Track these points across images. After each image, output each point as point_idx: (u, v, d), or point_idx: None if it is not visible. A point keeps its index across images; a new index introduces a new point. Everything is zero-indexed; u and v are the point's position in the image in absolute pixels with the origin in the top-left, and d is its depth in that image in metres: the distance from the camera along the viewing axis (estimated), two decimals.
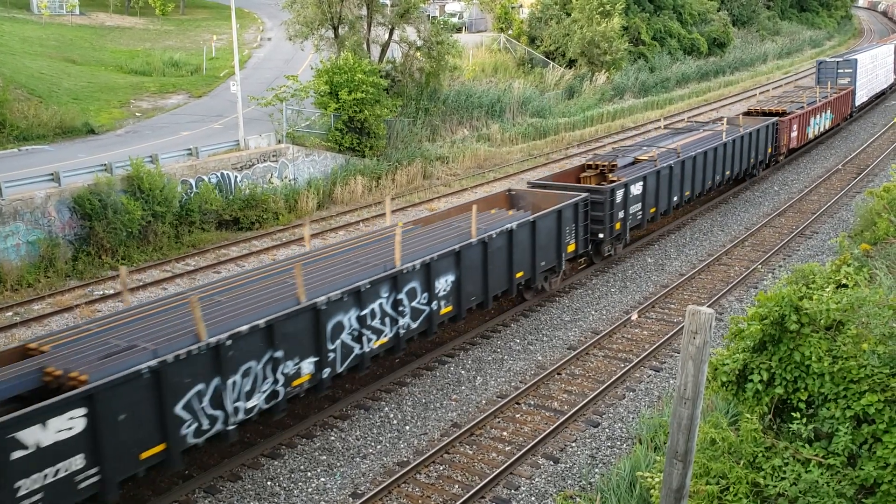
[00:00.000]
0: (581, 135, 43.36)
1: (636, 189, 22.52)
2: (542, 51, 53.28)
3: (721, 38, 71.10)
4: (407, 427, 14.54)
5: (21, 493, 9.64)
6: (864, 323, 8.66)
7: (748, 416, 8.96)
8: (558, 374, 16.44)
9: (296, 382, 13.24)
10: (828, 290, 8.96)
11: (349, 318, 14.00)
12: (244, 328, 12.16)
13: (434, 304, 15.90)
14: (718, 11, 75.74)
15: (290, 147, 29.92)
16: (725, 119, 32.16)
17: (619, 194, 21.67)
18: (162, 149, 27.18)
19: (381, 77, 33.44)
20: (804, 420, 8.45)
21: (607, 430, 14.23)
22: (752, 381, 8.84)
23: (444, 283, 16.06)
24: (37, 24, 51.34)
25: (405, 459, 13.46)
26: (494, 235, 17.16)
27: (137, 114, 35.78)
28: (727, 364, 8.97)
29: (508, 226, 17.65)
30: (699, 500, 8.54)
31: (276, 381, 12.84)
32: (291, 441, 14.04)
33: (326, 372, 13.74)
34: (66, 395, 10.17)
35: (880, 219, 20.20)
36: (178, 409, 11.37)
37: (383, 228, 18.79)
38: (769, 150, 32.16)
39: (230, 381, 12.06)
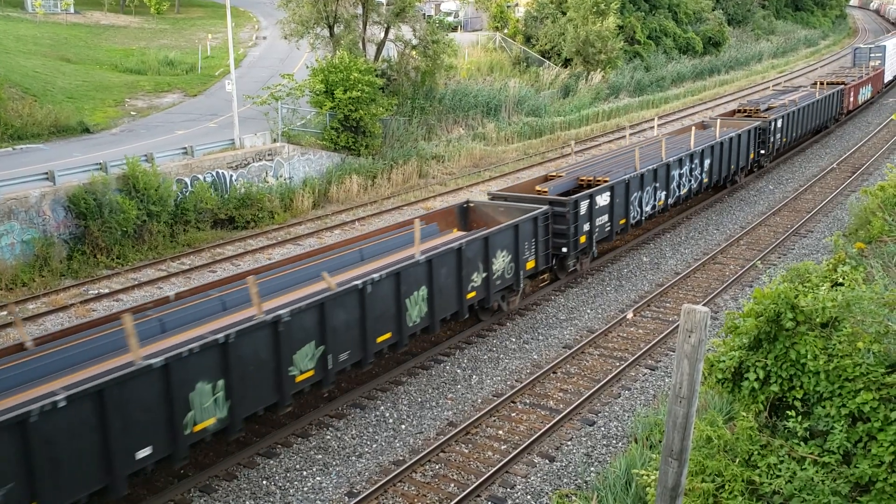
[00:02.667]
0: (577, 134, 43.36)
1: (780, 123, 33.27)
2: (537, 50, 53.29)
3: (716, 38, 71.23)
4: (403, 426, 14.54)
5: (595, 225, 20.81)
6: (860, 321, 8.68)
7: (744, 413, 8.97)
8: (554, 372, 16.45)
9: (659, 203, 24.28)
10: (823, 288, 8.98)
11: (678, 173, 25.16)
12: (650, 168, 23.43)
13: (702, 175, 27.05)
14: (713, 11, 75.88)
15: (286, 146, 29.88)
16: (818, 82, 44.31)
17: (772, 126, 32.34)
18: (157, 148, 27.13)
19: (376, 76, 33.41)
20: (799, 418, 8.46)
21: (603, 429, 14.24)
22: (748, 378, 8.85)
23: (706, 164, 27.25)
24: (31, 22, 51.17)
25: (401, 458, 13.46)
26: (726, 139, 28.47)
27: (132, 112, 35.71)
28: (723, 361, 8.98)
29: (730, 136, 28.89)
30: (695, 498, 8.55)
31: (654, 199, 23.90)
32: (287, 440, 14.03)
33: (669, 201, 24.91)
34: (602, 185, 21.39)
35: (875, 217, 20.26)
36: (628, 203, 22.43)
37: (654, 136, 31.01)
38: (839, 109, 43.31)
39: (643, 194, 23.21)
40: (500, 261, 17.54)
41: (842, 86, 43.47)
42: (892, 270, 14.70)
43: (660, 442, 11.54)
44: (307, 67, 34.39)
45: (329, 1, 34.66)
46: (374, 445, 13.90)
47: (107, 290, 21.20)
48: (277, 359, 12.74)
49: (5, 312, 19.61)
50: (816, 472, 8.08)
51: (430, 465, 13.17)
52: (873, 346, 8.35)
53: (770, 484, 8.27)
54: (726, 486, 8.52)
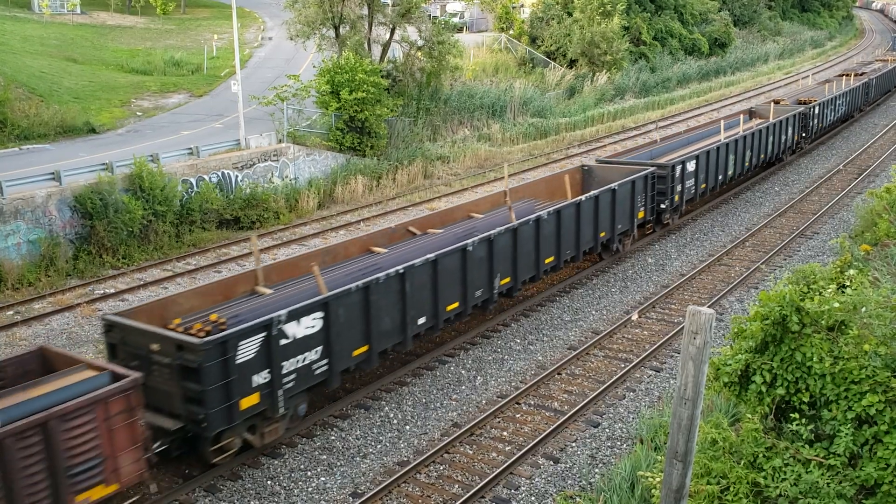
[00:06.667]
0: (582, 135, 43.33)
1: (874, 82, 49.68)
2: (542, 51, 53.27)
3: (722, 39, 71.09)
4: (407, 427, 14.54)
5: (814, 124, 37.76)
6: (866, 324, 8.65)
7: (749, 416, 8.95)
8: (558, 374, 16.44)
9: (830, 119, 39.58)
10: (829, 290, 8.96)
11: (838, 103, 41.10)
12: (832, 96, 40.30)
13: (845, 106, 41.76)
14: (720, 11, 75.72)
15: (291, 146, 29.92)
16: (887, 59, 63.06)
17: (873, 83, 49.11)
18: (163, 148, 27.18)
19: (382, 77, 33.42)
20: (805, 421, 8.44)
21: (607, 430, 14.23)
22: (754, 381, 8.83)
23: (847, 100, 42.67)
24: (38, 22, 51.35)
25: (405, 459, 13.46)
26: (854, 87, 44.33)
27: (138, 113, 35.80)
28: (730, 364, 8.96)
29: (857, 85, 45.06)
30: (699, 500, 8.53)
31: (829, 116, 39.56)
32: (291, 440, 14.05)
33: (835, 119, 40.58)
34: (814, 103, 37.59)
35: (881, 220, 20.20)
36: (823, 115, 38.58)
37: (810, 84, 48.75)
38: None
39: (828, 111, 39.15)
40: (789, 133, 34.10)
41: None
42: None
43: (665, 444, 11.52)
44: (314, 67, 34.43)
45: (335, 2, 34.71)
46: (379, 446, 13.91)
47: (112, 290, 21.25)
48: (744, 155, 28.89)
49: (11, 312, 19.68)
50: (822, 474, 8.06)
51: (434, 466, 13.17)
52: (879, 348, 8.33)
53: (775, 487, 8.26)
54: (731, 489, 8.50)
